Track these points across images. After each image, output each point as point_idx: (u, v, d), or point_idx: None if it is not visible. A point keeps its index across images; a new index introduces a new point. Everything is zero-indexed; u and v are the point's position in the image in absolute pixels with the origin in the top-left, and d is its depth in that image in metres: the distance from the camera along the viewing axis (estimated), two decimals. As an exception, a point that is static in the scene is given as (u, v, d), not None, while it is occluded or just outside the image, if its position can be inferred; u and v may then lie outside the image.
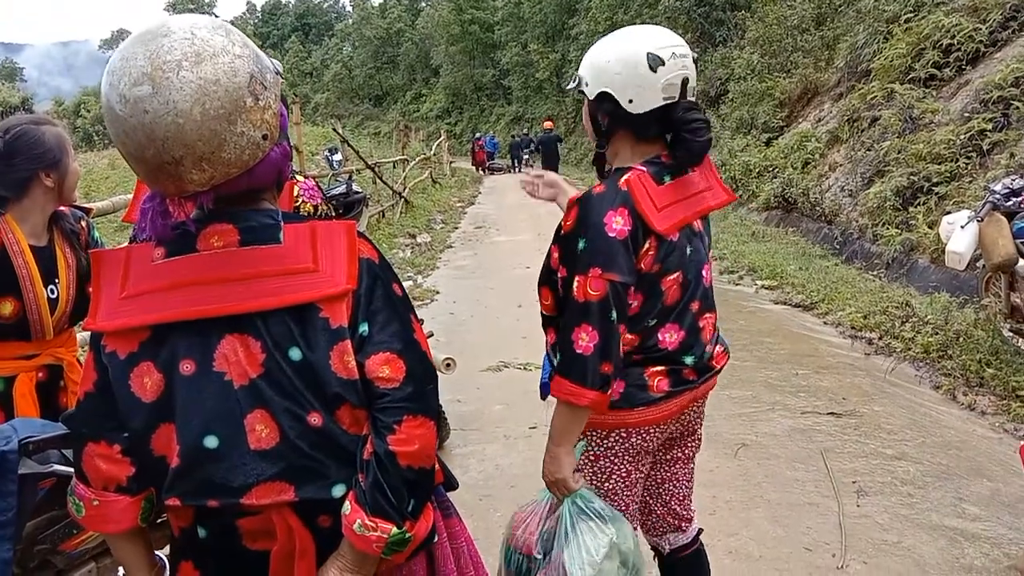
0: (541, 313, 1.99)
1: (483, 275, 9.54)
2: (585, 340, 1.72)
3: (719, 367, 2.04)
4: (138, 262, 1.27)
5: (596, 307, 1.71)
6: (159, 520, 1.43)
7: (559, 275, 1.83)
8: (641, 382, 1.87)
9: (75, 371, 2.39)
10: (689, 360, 1.92)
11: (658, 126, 1.84)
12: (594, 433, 1.95)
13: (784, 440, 4.18)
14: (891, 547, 3.12)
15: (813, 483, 3.68)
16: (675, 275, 1.84)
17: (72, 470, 1.82)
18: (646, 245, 1.77)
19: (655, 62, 1.75)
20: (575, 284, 1.74)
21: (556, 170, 22.17)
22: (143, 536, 1.41)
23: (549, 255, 1.90)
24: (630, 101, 1.78)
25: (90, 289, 2.32)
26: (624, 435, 1.93)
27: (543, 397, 2.12)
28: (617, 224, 1.73)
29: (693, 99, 1.84)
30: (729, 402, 4.74)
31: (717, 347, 2.04)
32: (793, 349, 5.83)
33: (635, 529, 2.05)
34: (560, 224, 1.85)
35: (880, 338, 5.90)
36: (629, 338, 1.85)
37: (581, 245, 1.74)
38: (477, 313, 7.55)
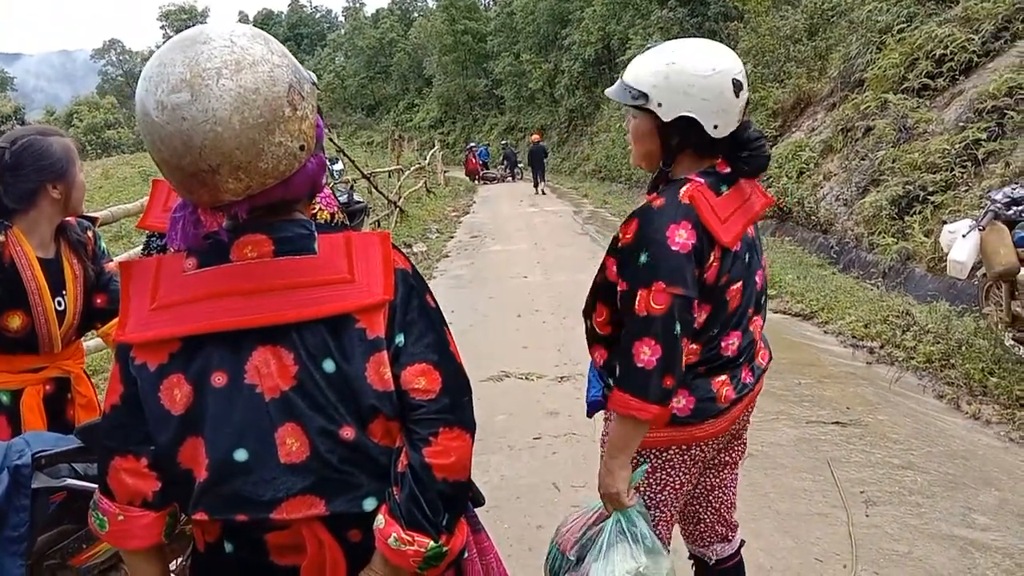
0: (591, 329, 1.96)
1: (480, 284, 9.52)
2: (647, 354, 1.69)
3: (765, 365, 2.05)
4: (168, 272, 1.24)
5: (659, 321, 1.68)
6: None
7: (619, 288, 1.80)
8: (711, 395, 1.86)
9: (82, 383, 2.36)
10: (745, 362, 1.93)
11: (726, 145, 1.83)
12: (654, 447, 1.94)
13: (790, 450, 4.17)
14: (902, 558, 3.11)
15: (821, 493, 3.67)
16: (738, 284, 1.84)
17: (85, 484, 1.80)
18: (711, 258, 1.75)
19: (738, 87, 1.74)
20: (637, 298, 1.70)
21: (543, 178, 22.70)
22: (160, 554, 1.38)
23: (603, 269, 1.88)
24: (715, 127, 1.75)
25: (98, 300, 2.32)
26: (684, 447, 1.92)
27: (590, 414, 2.09)
28: (680, 238, 1.71)
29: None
30: (733, 412, 4.72)
31: (760, 344, 2.04)
32: (795, 358, 5.82)
33: (668, 544, 2.03)
34: (616, 236, 1.84)
35: (882, 347, 5.90)
36: (693, 348, 1.83)
37: (643, 259, 1.71)
38: (476, 323, 7.53)
